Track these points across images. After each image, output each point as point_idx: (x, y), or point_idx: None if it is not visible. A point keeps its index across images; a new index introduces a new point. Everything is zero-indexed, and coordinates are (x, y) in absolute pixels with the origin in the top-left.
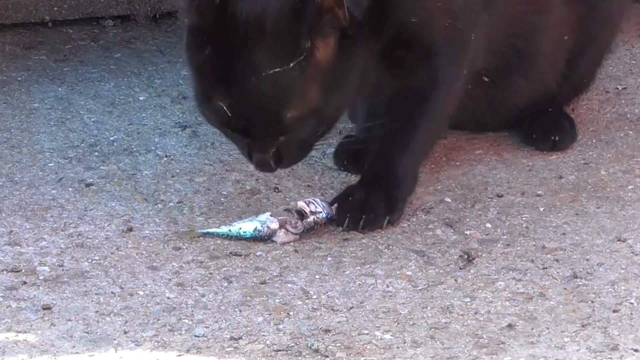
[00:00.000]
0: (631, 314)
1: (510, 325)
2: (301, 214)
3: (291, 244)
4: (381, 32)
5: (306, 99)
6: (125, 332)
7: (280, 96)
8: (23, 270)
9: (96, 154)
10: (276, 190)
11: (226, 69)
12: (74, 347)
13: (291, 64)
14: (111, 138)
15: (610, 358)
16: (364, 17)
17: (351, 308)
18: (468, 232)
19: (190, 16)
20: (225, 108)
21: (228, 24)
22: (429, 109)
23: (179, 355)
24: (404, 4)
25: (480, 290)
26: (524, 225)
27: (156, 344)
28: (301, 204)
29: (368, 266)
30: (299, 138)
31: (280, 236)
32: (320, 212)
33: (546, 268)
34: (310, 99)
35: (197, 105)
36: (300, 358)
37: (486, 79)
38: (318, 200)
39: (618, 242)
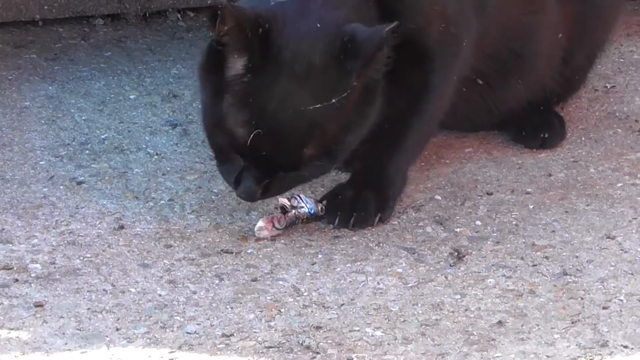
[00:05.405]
0: (620, 310)
1: (500, 322)
2: (284, 209)
3: (282, 241)
4: None
5: (326, 137)
6: (118, 329)
7: (309, 132)
8: (15, 268)
9: (87, 152)
10: None
11: (262, 99)
12: (66, 344)
13: (333, 100)
14: (102, 136)
15: (600, 354)
16: None
17: (342, 305)
18: (458, 230)
19: (231, 41)
20: (245, 134)
21: (274, 56)
22: (419, 110)
23: (171, 352)
24: (406, 12)
25: (470, 288)
26: (514, 222)
27: (148, 340)
28: (282, 199)
29: (359, 263)
30: (300, 175)
31: (262, 231)
32: (302, 207)
33: (536, 265)
34: (333, 136)
35: (204, 121)
36: (291, 355)
37: (480, 82)
38: (302, 195)
39: (607, 240)
